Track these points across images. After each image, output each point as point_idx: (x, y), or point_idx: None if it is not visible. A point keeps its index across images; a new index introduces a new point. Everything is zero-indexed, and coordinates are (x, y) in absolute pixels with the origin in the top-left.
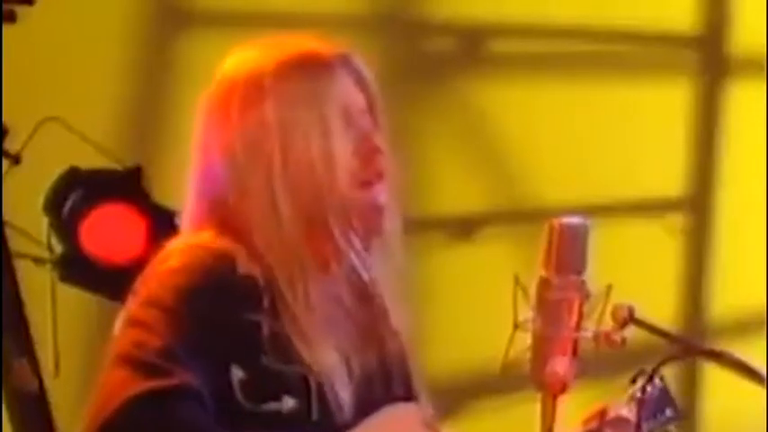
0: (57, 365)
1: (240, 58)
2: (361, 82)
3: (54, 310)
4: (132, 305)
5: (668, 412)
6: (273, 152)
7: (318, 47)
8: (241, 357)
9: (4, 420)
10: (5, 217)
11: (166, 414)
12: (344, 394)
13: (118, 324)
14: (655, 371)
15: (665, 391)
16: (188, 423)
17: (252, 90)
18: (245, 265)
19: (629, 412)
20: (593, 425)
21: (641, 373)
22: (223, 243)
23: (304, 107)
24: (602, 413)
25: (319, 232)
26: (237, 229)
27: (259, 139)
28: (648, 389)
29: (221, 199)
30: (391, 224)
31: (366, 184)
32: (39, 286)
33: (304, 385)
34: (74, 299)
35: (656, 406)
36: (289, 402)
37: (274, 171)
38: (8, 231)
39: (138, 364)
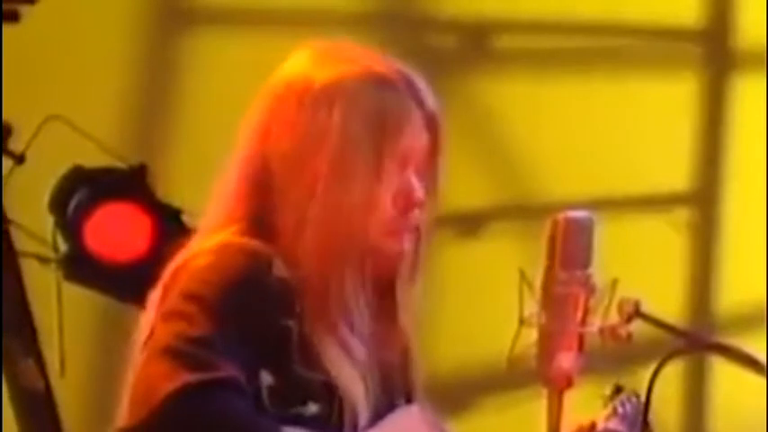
0: (62, 365)
1: (315, 65)
2: (430, 120)
3: (59, 310)
4: (167, 300)
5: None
6: (323, 167)
7: (394, 72)
8: (271, 363)
9: (10, 420)
10: (10, 216)
11: (214, 407)
12: (363, 415)
13: (146, 320)
14: (661, 365)
15: (641, 406)
16: (236, 416)
17: (323, 101)
18: (280, 268)
19: (616, 425)
20: None
21: (619, 388)
22: (259, 245)
23: (366, 140)
24: (590, 428)
25: (333, 274)
26: (272, 225)
27: (316, 148)
28: (628, 405)
29: (263, 203)
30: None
31: (396, 233)
32: (44, 285)
33: (329, 391)
34: (79, 298)
35: (634, 421)
36: (312, 408)
37: (317, 192)
38: (13, 230)
39: (180, 356)
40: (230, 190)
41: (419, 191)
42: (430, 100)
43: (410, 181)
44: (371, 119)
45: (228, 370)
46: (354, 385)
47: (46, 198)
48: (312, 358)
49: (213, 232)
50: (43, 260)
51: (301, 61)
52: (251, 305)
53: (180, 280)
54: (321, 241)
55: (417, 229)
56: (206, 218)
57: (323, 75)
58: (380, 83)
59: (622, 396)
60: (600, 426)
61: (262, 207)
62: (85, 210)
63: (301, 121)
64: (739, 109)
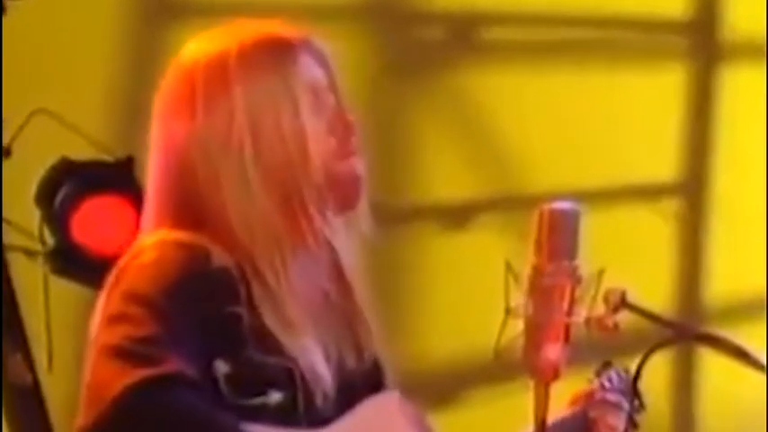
0: (50, 359)
1: (198, 45)
2: (321, 60)
3: (47, 303)
4: (110, 302)
5: (635, 403)
6: (243, 135)
7: (279, 29)
8: (224, 351)
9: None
10: None
11: (165, 401)
12: (326, 378)
13: (96, 321)
14: (648, 355)
15: (629, 382)
16: (187, 409)
17: (216, 77)
18: (219, 258)
19: (613, 396)
20: (580, 406)
21: (606, 365)
22: (194, 237)
23: (272, 87)
24: (587, 395)
25: (295, 210)
26: (210, 220)
27: (228, 126)
28: (615, 378)
29: (191, 192)
30: (363, 201)
31: (344, 157)
32: (31, 279)
33: (288, 377)
34: (66, 291)
35: (623, 392)
36: (275, 396)
37: (245, 153)
38: None
39: (129, 354)
40: (155, 188)
41: (346, 112)
42: (317, 44)
43: (335, 106)
44: (266, 64)
45: (178, 365)
46: (309, 345)
47: (32, 191)
48: (269, 342)
49: (150, 230)
50: (30, 254)
51: (190, 47)
52: (194, 298)
53: (122, 280)
54: (268, 190)
55: (359, 151)
56: (144, 216)
57: (206, 63)
58: (265, 44)
59: (610, 371)
60: (596, 396)
61: (190, 197)
62: (72, 203)
63: (201, 101)
64: (727, 100)
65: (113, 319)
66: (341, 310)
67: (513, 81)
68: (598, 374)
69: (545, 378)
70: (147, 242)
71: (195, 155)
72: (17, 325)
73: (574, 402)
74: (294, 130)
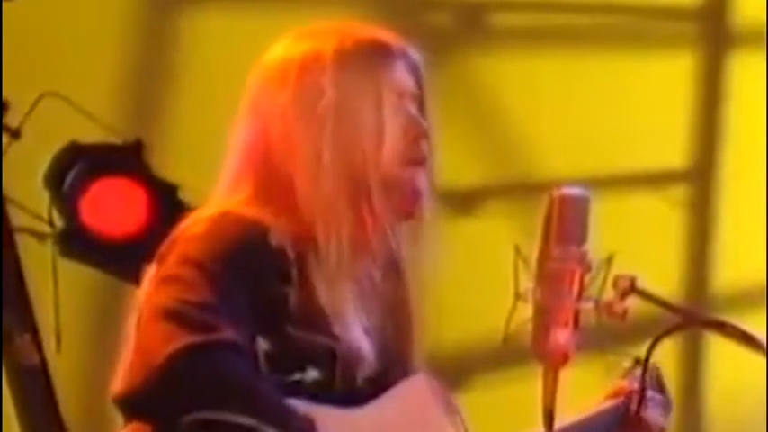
0: (58, 340)
1: (296, 40)
2: (415, 73)
3: (56, 285)
4: (162, 267)
5: (663, 400)
6: (327, 114)
7: (380, 34)
8: (267, 329)
9: (5, 396)
10: (6, 192)
11: (212, 368)
12: (370, 359)
13: (144, 288)
14: (657, 341)
15: (660, 380)
16: (234, 377)
17: (311, 62)
18: (277, 237)
19: (651, 393)
20: (620, 399)
21: (638, 360)
22: (256, 212)
23: (362, 80)
24: (629, 391)
25: (361, 205)
26: (278, 189)
27: (314, 101)
28: (647, 377)
29: (266, 159)
30: (426, 210)
31: (409, 165)
32: (40, 261)
33: (329, 356)
34: (75, 273)
35: (656, 389)
36: (312, 373)
37: (325, 131)
38: (9, 206)
39: (180, 318)
40: (233, 163)
41: (423, 121)
42: (413, 53)
43: (413, 112)
44: (362, 62)
45: (230, 334)
46: (355, 328)
47: (42, 174)
48: (315, 321)
49: (219, 200)
50: (39, 236)
51: (283, 44)
52: (245, 271)
53: (177, 246)
54: (338, 175)
55: (426, 162)
56: (214, 192)
57: (304, 48)
58: (363, 42)
59: (642, 367)
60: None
61: (264, 175)
62: (81, 185)
63: (293, 87)
64: (736, 87)
65: (165, 280)
66: (385, 296)
67: (523, 67)
68: (631, 371)
69: (554, 363)
70: (205, 214)
71: (277, 125)
72: (25, 306)
73: (613, 395)
74: (374, 126)
